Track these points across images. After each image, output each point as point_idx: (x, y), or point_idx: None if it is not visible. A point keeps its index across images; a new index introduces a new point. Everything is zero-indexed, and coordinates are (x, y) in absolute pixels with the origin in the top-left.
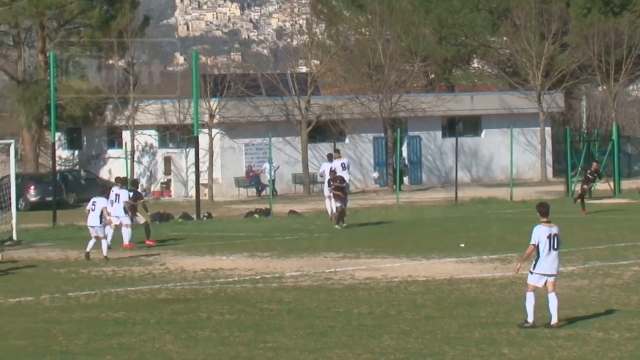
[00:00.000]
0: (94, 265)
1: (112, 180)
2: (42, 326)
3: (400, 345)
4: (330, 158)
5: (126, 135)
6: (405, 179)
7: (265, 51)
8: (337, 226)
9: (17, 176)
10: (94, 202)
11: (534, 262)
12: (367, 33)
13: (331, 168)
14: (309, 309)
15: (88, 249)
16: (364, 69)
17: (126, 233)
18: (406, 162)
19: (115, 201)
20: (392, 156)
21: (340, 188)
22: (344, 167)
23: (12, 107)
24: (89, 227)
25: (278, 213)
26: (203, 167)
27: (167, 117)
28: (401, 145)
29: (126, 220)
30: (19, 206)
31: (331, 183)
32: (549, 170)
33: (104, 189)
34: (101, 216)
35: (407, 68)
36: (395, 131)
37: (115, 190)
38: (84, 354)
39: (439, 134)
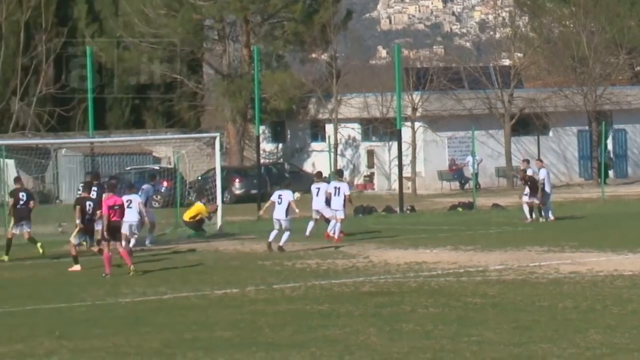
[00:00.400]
0: (298, 257)
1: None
2: (247, 318)
3: (607, 339)
4: (527, 162)
5: (329, 128)
6: (611, 173)
7: (467, 44)
8: (536, 219)
9: (222, 169)
10: (280, 195)
11: None
12: (571, 25)
13: (538, 176)
14: (513, 303)
15: (270, 239)
16: (568, 61)
17: (338, 227)
18: (611, 155)
19: (335, 194)
20: (597, 149)
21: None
22: (548, 176)
23: (217, 101)
24: (274, 220)
25: (481, 206)
26: (406, 160)
27: (370, 110)
28: (606, 139)
29: (341, 214)
30: (224, 199)
31: (522, 182)
32: None
33: (288, 181)
34: (287, 209)
35: (612, 60)
36: (600, 124)
37: (333, 183)
38: (289, 346)
39: None
